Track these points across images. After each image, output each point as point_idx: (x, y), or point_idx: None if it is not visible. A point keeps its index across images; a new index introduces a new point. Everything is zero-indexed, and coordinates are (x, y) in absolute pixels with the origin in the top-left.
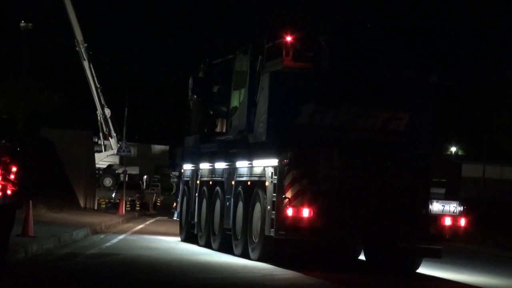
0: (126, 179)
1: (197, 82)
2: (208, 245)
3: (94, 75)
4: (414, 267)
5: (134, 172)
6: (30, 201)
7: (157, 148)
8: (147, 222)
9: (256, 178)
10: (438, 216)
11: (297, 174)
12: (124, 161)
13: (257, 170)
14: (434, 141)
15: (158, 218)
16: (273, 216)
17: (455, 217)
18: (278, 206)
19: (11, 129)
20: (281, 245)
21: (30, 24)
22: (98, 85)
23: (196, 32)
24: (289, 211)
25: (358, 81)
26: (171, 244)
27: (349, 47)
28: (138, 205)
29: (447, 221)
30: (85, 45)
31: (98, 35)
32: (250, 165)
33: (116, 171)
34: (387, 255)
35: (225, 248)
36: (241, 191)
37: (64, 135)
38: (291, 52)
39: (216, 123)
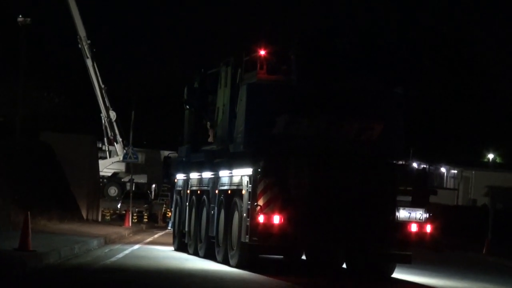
0: (133, 188)
1: (191, 92)
2: (195, 253)
3: (98, 74)
4: (388, 272)
5: (141, 181)
6: (28, 212)
7: (167, 154)
8: (156, 236)
9: (235, 187)
10: (405, 223)
11: (269, 183)
12: (131, 168)
13: (236, 179)
14: (408, 151)
15: (167, 230)
16: (248, 223)
17: (421, 223)
18: (252, 213)
19: (8, 132)
20: (256, 251)
21: (29, 19)
22: (103, 86)
23: (207, 31)
24: (261, 218)
25: (329, 93)
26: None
27: (317, 60)
28: (146, 217)
29: (413, 228)
30: (89, 41)
31: (103, 31)
32: (230, 175)
33: (122, 180)
34: (364, 262)
35: (210, 255)
36: (223, 200)
37: (65, 140)
38: (265, 65)
39: (209, 133)
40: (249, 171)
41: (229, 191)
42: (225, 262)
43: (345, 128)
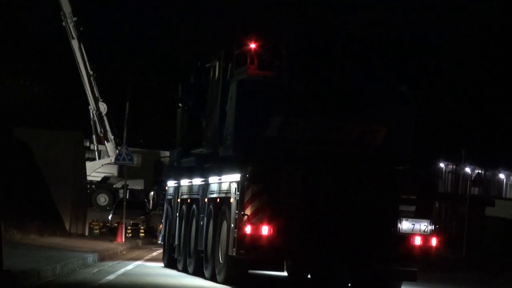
0: (127, 196)
1: (185, 89)
2: (185, 269)
3: (86, 58)
4: None
5: (137, 187)
6: (1, 224)
7: (168, 155)
8: (154, 253)
9: (224, 195)
10: (407, 236)
11: (257, 190)
12: (125, 172)
13: (224, 186)
14: (416, 156)
15: None
16: (236, 235)
17: (425, 236)
18: (239, 224)
19: None
20: (243, 265)
21: None
22: (91, 72)
23: (212, 16)
24: (248, 229)
25: (328, 92)
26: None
27: (310, 55)
28: (142, 231)
29: (417, 241)
30: (74, 19)
31: (92, 8)
32: (219, 181)
33: (114, 186)
34: (368, 279)
35: (199, 271)
36: (212, 209)
37: (45, 137)
38: (255, 60)
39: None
40: (237, 177)
41: (218, 200)
42: (213, 278)
43: (345, 130)
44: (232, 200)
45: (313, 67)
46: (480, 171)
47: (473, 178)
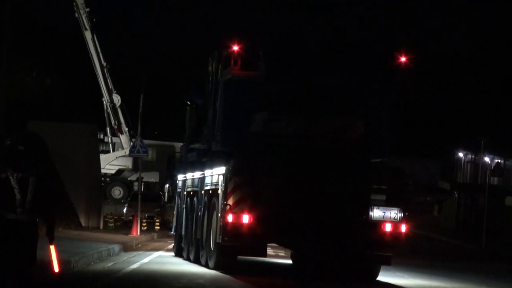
0: (142, 189)
1: (195, 89)
2: (188, 258)
3: (99, 50)
4: (372, 274)
5: (152, 180)
6: None
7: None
8: (170, 246)
9: (214, 187)
10: (378, 223)
11: (239, 182)
12: (139, 165)
13: (215, 179)
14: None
15: None
16: (221, 223)
17: (395, 223)
18: (222, 213)
19: None
20: (228, 252)
21: None
22: (105, 63)
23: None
24: (230, 218)
25: (308, 89)
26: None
27: (287, 56)
28: (157, 223)
29: (388, 227)
30: (87, 9)
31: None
32: (211, 174)
33: (129, 178)
34: (345, 263)
35: (198, 259)
36: (206, 200)
37: (58, 130)
38: (239, 61)
39: None
40: (223, 170)
41: (211, 191)
42: (207, 264)
43: (324, 126)
44: (219, 191)
45: (289, 67)
46: (499, 160)
47: (492, 167)
